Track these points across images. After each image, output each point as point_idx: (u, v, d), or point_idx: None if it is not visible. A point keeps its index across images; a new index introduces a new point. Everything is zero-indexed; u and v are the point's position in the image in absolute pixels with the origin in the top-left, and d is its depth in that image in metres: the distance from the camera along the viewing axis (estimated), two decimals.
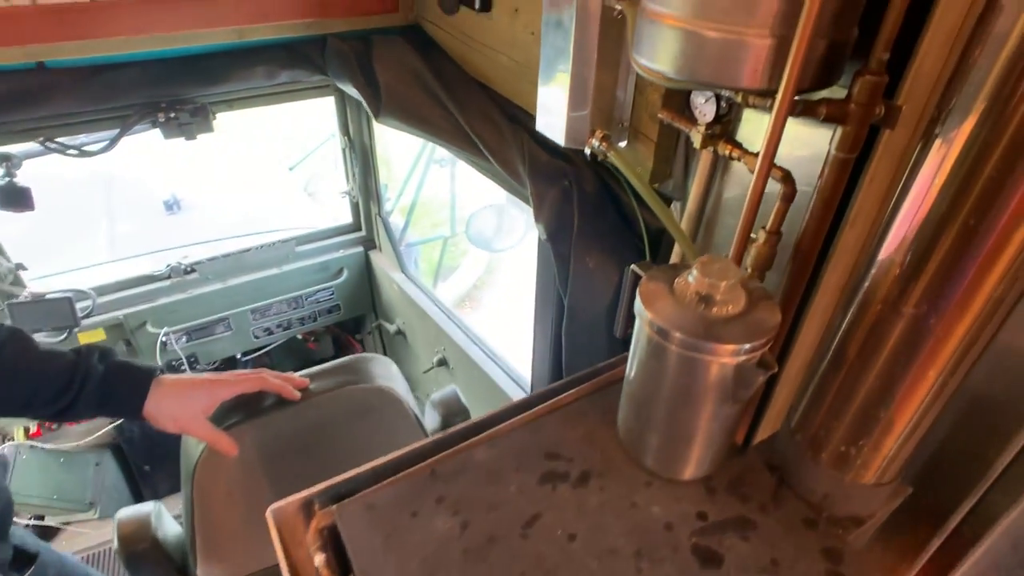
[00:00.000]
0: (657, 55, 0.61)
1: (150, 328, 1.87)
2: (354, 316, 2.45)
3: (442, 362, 1.91)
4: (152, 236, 2.46)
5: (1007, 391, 0.57)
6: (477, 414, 1.88)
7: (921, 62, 0.56)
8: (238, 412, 0.91)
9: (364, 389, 0.93)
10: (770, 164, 0.60)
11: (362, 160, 2.03)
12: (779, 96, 0.55)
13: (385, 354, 2.51)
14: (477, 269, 3.55)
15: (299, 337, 2.49)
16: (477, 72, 1.39)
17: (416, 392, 2.37)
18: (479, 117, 1.28)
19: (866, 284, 0.53)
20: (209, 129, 1.56)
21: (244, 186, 3.40)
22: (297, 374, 0.94)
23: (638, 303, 0.54)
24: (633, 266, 0.67)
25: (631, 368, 0.60)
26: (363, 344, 2.70)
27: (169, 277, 1.93)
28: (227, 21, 1.36)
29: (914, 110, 0.58)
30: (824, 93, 0.59)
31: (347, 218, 2.27)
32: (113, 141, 1.46)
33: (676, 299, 0.52)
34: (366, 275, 2.28)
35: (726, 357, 0.49)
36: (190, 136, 1.50)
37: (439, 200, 3.08)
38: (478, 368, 1.68)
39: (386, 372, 0.99)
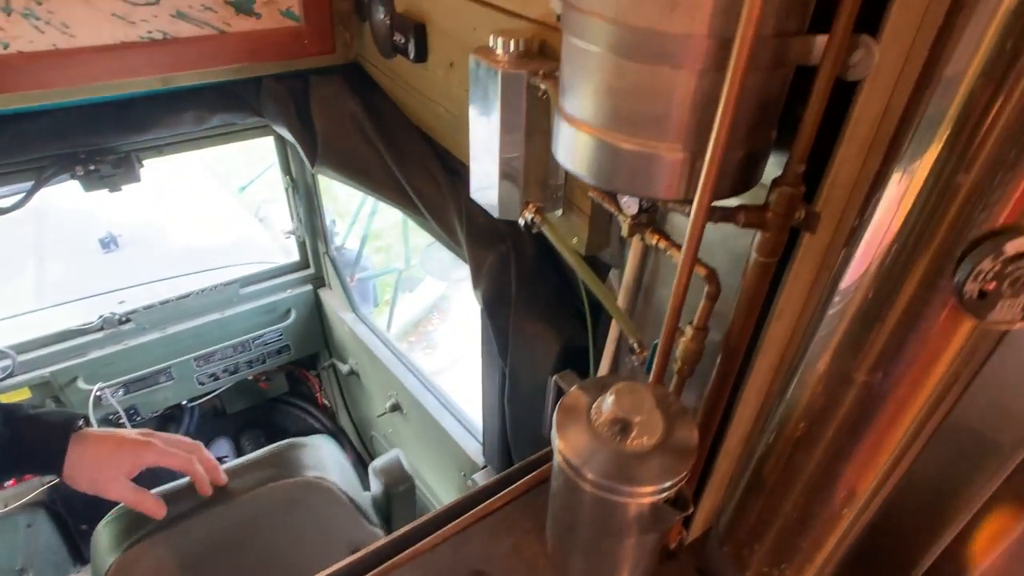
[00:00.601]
0: (574, 160, 0.58)
1: (82, 384, 1.77)
2: (306, 355, 2.38)
3: (395, 407, 1.86)
4: (86, 278, 2.33)
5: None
6: (431, 464, 1.83)
7: (837, 171, 0.55)
8: (146, 523, 0.84)
9: (289, 484, 0.88)
10: (691, 268, 0.58)
11: (306, 200, 1.96)
12: (694, 208, 0.53)
13: (341, 392, 2.45)
14: (429, 301, 3.50)
15: (250, 377, 2.40)
16: (416, 118, 1.36)
17: (372, 431, 2.31)
18: (419, 171, 1.24)
19: (781, 409, 0.52)
20: (135, 179, 1.48)
21: (189, 213, 3.28)
22: (223, 467, 0.88)
23: (554, 429, 0.51)
24: (555, 377, 0.65)
25: (553, 485, 0.57)
26: (320, 379, 2.62)
27: (102, 329, 1.83)
28: (149, 71, 1.30)
29: (833, 214, 0.57)
30: (745, 196, 0.58)
31: (295, 255, 2.20)
32: (28, 195, 1.38)
33: (591, 428, 0.50)
34: (316, 314, 2.21)
35: (641, 498, 0.47)
36: (114, 188, 1.42)
37: (397, 229, 3.01)
38: (431, 416, 1.64)
39: (316, 459, 0.94)
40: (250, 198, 4.47)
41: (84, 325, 1.81)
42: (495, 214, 0.89)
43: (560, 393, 0.57)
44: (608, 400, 0.49)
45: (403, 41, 1.21)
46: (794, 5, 0.47)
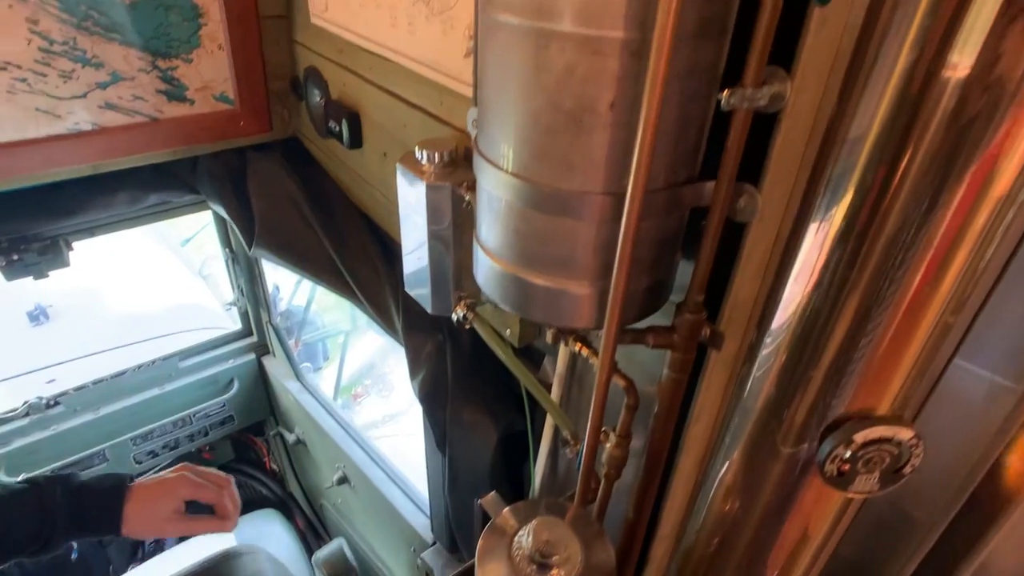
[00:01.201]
0: (491, 288, 0.61)
1: (3, 477, 1.67)
2: (252, 423, 2.31)
3: (343, 480, 1.82)
4: (12, 356, 2.22)
5: None
6: (381, 539, 1.79)
7: (736, 293, 0.59)
8: None
9: None
10: (606, 386, 0.60)
11: (247, 270, 1.94)
12: (603, 340, 0.55)
13: (289, 460, 2.38)
14: (381, 343, 3.45)
15: (193, 450, 2.31)
16: (354, 196, 1.37)
17: (323, 500, 2.25)
18: (357, 254, 1.25)
19: (708, 497, 0.54)
20: (63, 264, 1.44)
21: (127, 275, 3.17)
22: None
23: (476, 560, 0.52)
24: (480, 501, 0.66)
25: None
26: (267, 443, 2.54)
27: (27, 415, 1.74)
28: (77, 161, 1.27)
29: (736, 330, 0.61)
30: (654, 317, 0.61)
31: (238, 322, 2.15)
32: None
33: (511, 563, 0.51)
34: (261, 383, 2.16)
35: None
36: (39, 275, 1.38)
37: None
38: (379, 491, 1.61)
39: (254, 570, 0.92)
40: (193, 252, 4.36)
41: (7, 413, 1.72)
42: (428, 310, 0.91)
43: (485, 517, 0.58)
44: (527, 537, 0.50)
45: (337, 128, 1.23)
46: (683, 160, 0.51)
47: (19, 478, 0.89)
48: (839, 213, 0.45)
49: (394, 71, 0.99)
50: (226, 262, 1.92)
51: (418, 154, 0.82)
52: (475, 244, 0.62)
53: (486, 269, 0.60)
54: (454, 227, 0.82)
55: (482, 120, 0.54)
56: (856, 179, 0.42)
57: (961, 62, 0.35)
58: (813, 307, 0.48)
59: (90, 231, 1.52)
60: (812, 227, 0.47)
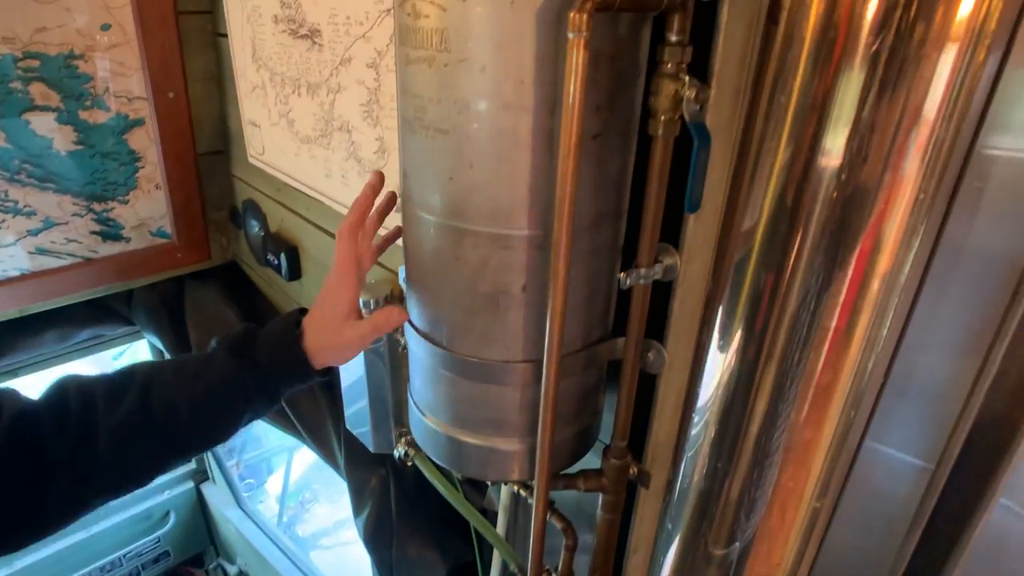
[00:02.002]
0: (427, 445, 0.63)
1: None
2: (190, 556, 2.15)
3: None
4: None
5: None
6: None
7: (656, 432, 0.63)
8: None
9: None
10: (543, 530, 0.62)
11: None
12: (535, 490, 0.58)
13: None
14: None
15: None
16: None
17: None
18: None
19: None
20: None
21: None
22: None
23: None
24: None
25: None
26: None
27: None
28: (5, 307, 1.24)
29: (662, 468, 0.65)
30: (585, 460, 0.64)
31: None
32: None
33: None
34: (199, 513, 2.04)
35: None
36: None
37: None
38: None
39: None
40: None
41: None
42: (370, 448, 0.91)
43: None
44: None
45: (275, 260, 1.26)
46: (595, 322, 0.56)
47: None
48: (732, 355, 0.49)
49: (331, 214, 1.04)
50: None
51: (359, 300, 0.86)
52: (411, 406, 0.65)
53: (420, 425, 0.62)
54: (391, 369, 0.84)
55: (410, 293, 0.58)
56: (743, 319, 0.48)
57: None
58: (719, 440, 0.52)
59: (13, 372, 1.46)
60: (713, 368, 0.52)
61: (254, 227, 1.39)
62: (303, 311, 0.65)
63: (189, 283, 1.53)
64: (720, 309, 0.50)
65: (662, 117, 0.45)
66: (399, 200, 0.56)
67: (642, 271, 0.51)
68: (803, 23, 0.36)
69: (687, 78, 0.42)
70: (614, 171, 0.50)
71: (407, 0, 0.44)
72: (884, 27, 0.33)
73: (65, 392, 0.58)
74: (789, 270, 0.42)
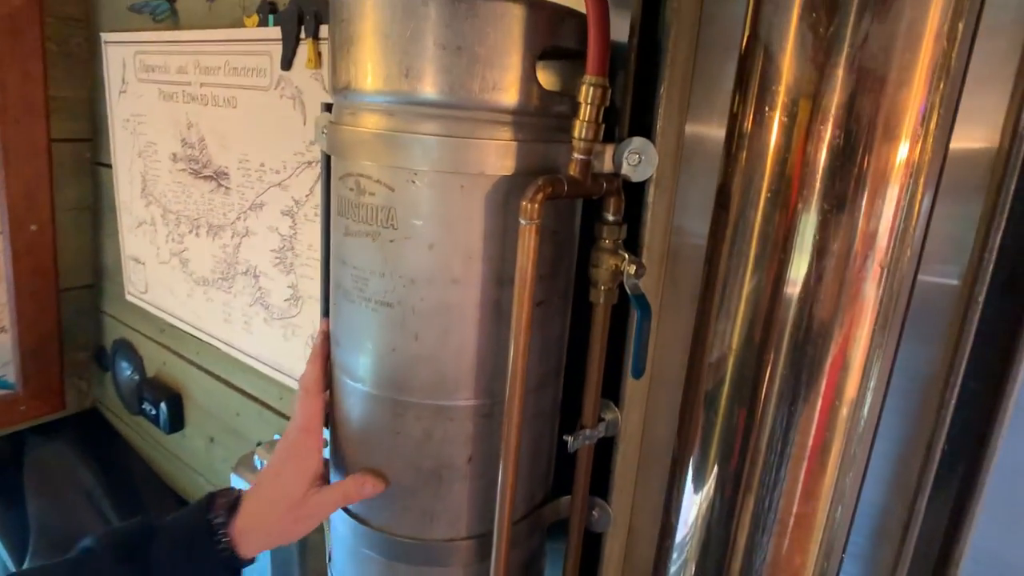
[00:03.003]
0: None
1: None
2: None
3: None
4: None
5: None
6: None
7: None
8: None
9: None
10: None
11: None
12: None
13: None
14: None
15: None
16: (173, 482, 1.21)
17: None
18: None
19: None
20: None
21: None
22: None
23: None
24: None
25: None
26: None
27: None
28: None
29: None
30: None
31: None
32: None
33: None
34: None
35: None
36: None
37: None
38: None
39: None
40: None
41: None
42: None
43: None
44: None
45: (153, 410, 1.12)
46: (539, 484, 0.54)
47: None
48: (710, 492, 0.49)
49: (226, 360, 0.96)
50: None
51: (256, 461, 0.77)
52: None
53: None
54: (299, 545, 0.75)
55: (337, 469, 0.53)
56: (718, 455, 0.47)
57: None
58: None
59: None
60: (688, 507, 0.51)
61: (126, 370, 1.24)
62: (217, 494, 0.54)
63: (32, 439, 1.31)
64: (694, 448, 0.50)
65: (602, 287, 0.47)
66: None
67: (587, 431, 0.51)
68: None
69: (626, 254, 0.45)
70: (555, 334, 0.50)
71: (349, 175, 0.44)
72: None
73: None
74: (761, 402, 0.43)
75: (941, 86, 0.35)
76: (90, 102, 1.17)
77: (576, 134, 0.41)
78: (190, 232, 0.90)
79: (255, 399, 0.91)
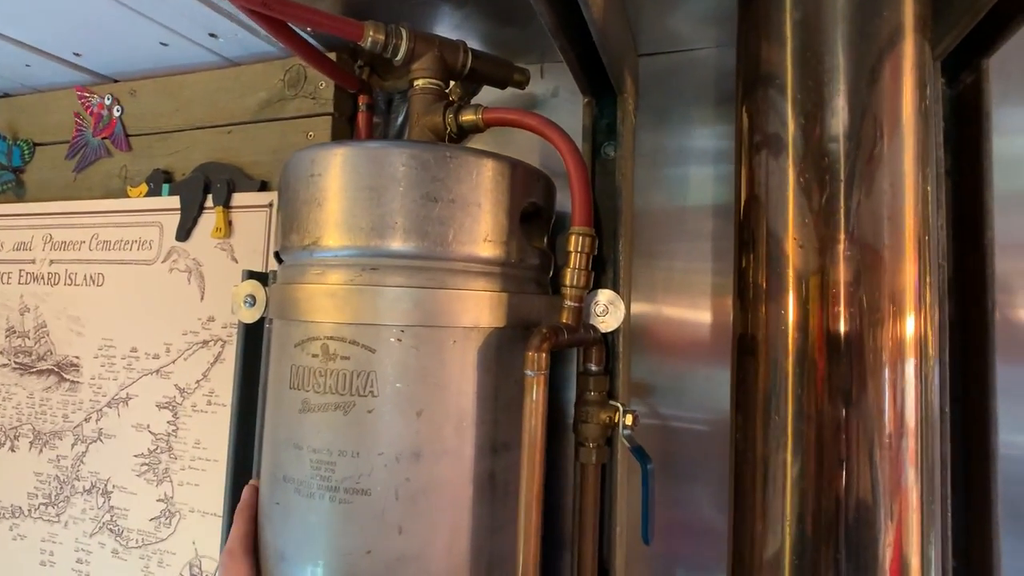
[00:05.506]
0: None
1: None
2: None
3: None
4: None
5: None
6: None
7: None
8: None
9: None
10: None
11: None
12: None
13: None
14: None
15: None
16: None
17: None
18: None
19: None
20: None
21: None
22: None
23: None
24: None
25: None
26: None
27: None
28: None
29: None
30: None
31: None
32: None
33: None
34: None
35: None
36: None
37: None
38: None
39: None
40: None
41: None
42: None
43: None
44: None
45: None
46: None
47: None
48: None
49: None
50: None
51: None
52: None
53: None
54: None
55: None
56: None
57: None
58: None
59: None
60: None
61: None
62: None
63: None
64: None
65: (591, 445, 0.43)
66: None
67: None
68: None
69: (619, 404, 0.43)
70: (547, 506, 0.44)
71: (311, 340, 0.38)
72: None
73: None
74: None
75: None
76: None
77: (568, 282, 0.41)
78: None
79: None
